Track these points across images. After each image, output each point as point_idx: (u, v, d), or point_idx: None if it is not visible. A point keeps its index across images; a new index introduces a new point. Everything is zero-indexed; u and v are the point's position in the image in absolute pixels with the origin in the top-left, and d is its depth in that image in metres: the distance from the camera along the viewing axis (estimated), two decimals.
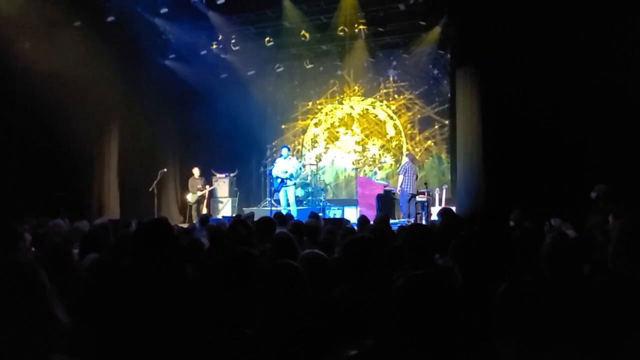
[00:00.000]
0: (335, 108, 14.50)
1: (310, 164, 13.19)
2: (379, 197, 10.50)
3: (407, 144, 13.60)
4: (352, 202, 12.22)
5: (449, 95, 12.48)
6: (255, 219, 6.16)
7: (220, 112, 12.28)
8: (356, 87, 14.25)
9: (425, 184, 11.03)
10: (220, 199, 12.88)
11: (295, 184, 10.85)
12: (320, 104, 14.63)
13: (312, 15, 11.55)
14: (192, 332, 1.94)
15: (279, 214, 6.57)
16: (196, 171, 12.33)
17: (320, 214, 8.84)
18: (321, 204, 11.95)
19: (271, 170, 11.10)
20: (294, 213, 9.27)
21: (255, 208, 11.61)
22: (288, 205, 10.59)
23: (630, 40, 7.64)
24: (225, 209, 12.68)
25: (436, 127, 13.34)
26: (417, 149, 13.37)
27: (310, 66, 13.80)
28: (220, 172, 13.06)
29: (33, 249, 4.41)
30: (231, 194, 12.95)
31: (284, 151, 10.80)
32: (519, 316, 1.61)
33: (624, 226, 2.28)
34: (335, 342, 1.74)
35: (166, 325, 1.99)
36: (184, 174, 12.75)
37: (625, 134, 7.64)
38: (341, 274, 2.59)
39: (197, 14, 11.09)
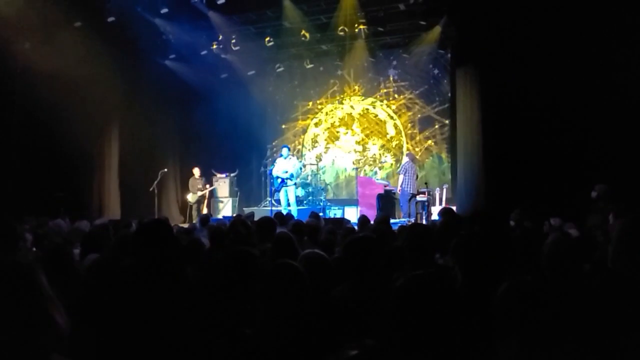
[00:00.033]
0: (336, 108, 14.50)
1: (311, 164, 13.19)
2: (380, 196, 10.50)
3: (407, 143, 13.60)
4: (353, 202, 12.21)
5: (449, 94, 12.48)
6: (256, 218, 6.17)
7: (221, 112, 12.29)
8: (356, 87, 14.25)
9: (426, 183, 11.03)
10: (221, 199, 12.88)
11: (295, 184, 10.85)
12: (321, 103, 14.63)
13: (312, 15, 11.55)
14: (193, 332, 1.94)
15: (279, 213, 6.58)
16: (196, 171, 12.33)
17: (321, 214, 8.86)
18: (321, 203, 11.95)
19: (271, 170, 11.10)
20: (294, 213, 9.28)
21: (255, 208, 11.62)
22: (288, 205, 10.59)
23: (630, 40, 7.64)
24: (226, 209, 12.69)
25: (436, 126, 13.35)
26: (417, 149, 13.37)
27: (310, 66, 13.81)
28: (221, 172, 13.07)
29: (34, 249, 4.41)
30: (231, 194, 12.95)
31: (284, 151, 10.80)
32: (519, 316, 1.60)
33: (624, 226, 2.27)
34: (335, 342, 1.73)
35: (166, 326, 1.99)
36: (185, 174, 12.76)
37: (625, 134, 7.64)
38: (341, 274, 2.59)
39: (197, 14, 11.10)
